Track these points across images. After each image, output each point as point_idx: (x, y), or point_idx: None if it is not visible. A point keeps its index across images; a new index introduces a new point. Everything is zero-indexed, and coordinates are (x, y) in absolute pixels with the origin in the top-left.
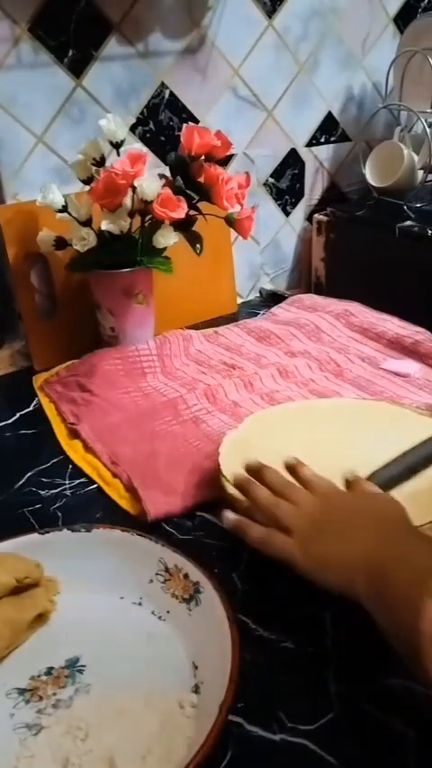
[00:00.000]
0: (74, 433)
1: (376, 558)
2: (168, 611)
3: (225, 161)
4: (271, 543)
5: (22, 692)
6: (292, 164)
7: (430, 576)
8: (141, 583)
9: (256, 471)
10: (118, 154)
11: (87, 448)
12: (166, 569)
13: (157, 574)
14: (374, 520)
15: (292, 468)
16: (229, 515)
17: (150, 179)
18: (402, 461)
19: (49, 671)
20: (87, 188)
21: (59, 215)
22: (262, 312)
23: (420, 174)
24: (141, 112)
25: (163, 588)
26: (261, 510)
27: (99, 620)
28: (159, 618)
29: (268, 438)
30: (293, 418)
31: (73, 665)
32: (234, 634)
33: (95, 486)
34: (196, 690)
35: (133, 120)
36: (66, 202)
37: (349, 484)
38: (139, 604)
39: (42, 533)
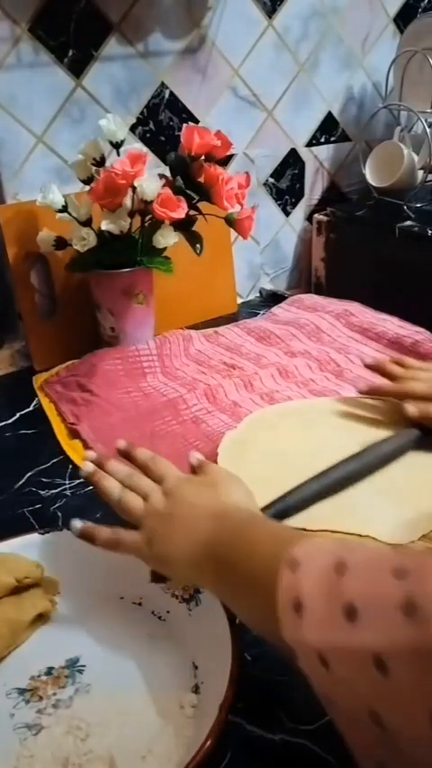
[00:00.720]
0: (74, 433)
1: (221, 545)
2: (168, 611)
3: (225, 161)
4: (118, 544)
5: (22, 692)
6: (292, 164)
7: (281, 549)
8: (141, 583)
9: (99, 464)
10: (118, 154)
11: (87, 448)
12: None
13: None
14: (215, 508)
15: (126, 454)
16: (76, 524)
17: (150, 179)
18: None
19: (49, 671)
20: (87, 188)
21: (59, 215)
22: (262, 312)
23: (420, 174)
24: (141, 112)
25: (163, 588)
26: (114, 508)
27: (99, 619)
28: (159, 618)
29: (267, 438)
30: (292, 417)
31: (73, 665)
32: (234, 634)
33: None
34: (196, 690)
35: (133, 120)
36: (66, 202)
37: (194, 468)
38: (139, 604)
39: (42, 533)
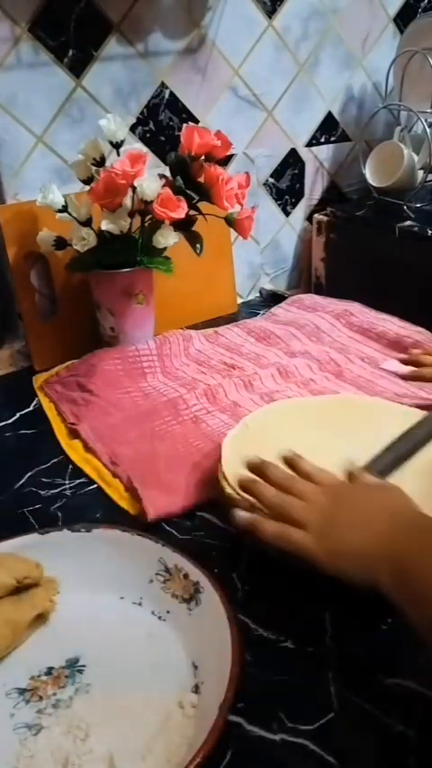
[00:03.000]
0: (74, 433)
1: (396, 547)
2: (168, 611)
3: (225, 161)
4: (287, 538)
5: (22, 692)
6: (292, 164)
7: None
8: (141, 583)
9: (258, 469)
10: (118, 154)
11: (87, 448)
12: (166, 569)
13: (157, 574)
14: (386, 509)
15: (291, 462)
16: (241, 513)
17: (150, 179)
18: (394, 449)
19: (49, 671)
20: (87, 188)
21: (59, 215)
22: (262, 312)
23: (420, 174)
24: (141, 112)
25: (163, 588)
26: (270, 507)
27: (99, 620)
28: (159, 618)
29: (270, 436)
30: (295, 415)
31: (73, 665)
32: (234, 633)
33: (95, 486)
34: (196, 690)
35: (133, 120)
36: (66, 202)
37: (351, 476)
38: (139, 604)
39: (42, 533)
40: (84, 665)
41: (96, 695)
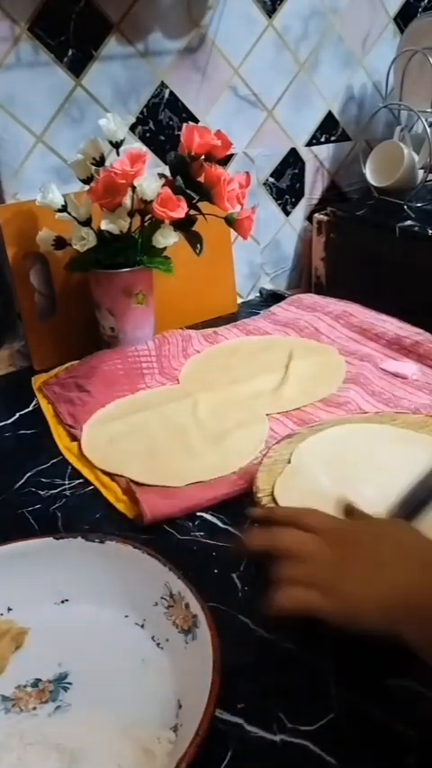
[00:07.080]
0: (72, 436)
1: (418, 590)
2: (167, 639)
3: (225, 161)
4: (295, 601)
5: (3, 699)
6: (292, 163)
7: None
8: (146, 604)
9: (245, 544)
10: (117, 153)
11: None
12: (171, 595)
13: (162, 598)
14: (397, 548)
15: (265, 518)
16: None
17: (150, 178)
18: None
19: (36, 683)
20: (87, 188)
21: (59, 215)
22: (262, 312)
23: (420, 173)
24: (141, 112)
25: (166, 614)
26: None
27: (99, 636)
28: (158, 645)
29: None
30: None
31: (60, 681)
32: (215, 683)
33: (95, 486)
34: (175, 729)
35: (133, 120)
36: (65, 202)
37: (348, 512)
38: (142, 626)
39: (57, 538)
40: (70, 683)
41: (74, 717)
